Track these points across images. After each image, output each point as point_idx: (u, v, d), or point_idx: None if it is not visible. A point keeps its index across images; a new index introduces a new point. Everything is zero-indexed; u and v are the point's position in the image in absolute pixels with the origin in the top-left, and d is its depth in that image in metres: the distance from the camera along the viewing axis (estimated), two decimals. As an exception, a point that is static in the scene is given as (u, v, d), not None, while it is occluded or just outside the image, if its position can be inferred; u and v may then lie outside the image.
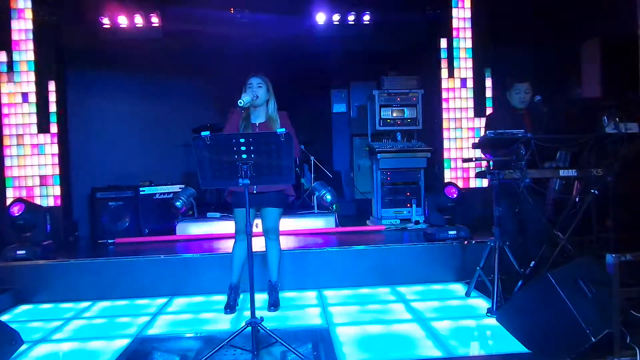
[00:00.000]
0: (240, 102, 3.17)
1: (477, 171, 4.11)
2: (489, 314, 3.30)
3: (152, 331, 3.29)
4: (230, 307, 3.56)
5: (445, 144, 5.51)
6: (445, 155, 5.51)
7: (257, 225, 3.93)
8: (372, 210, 5.80)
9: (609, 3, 5.09)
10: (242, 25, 6.02)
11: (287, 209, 3.70)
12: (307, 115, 7.12)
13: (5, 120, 5.03)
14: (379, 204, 5.52)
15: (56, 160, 5.12)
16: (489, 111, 5.39)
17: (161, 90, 6.69)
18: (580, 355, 2.48)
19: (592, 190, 3.43)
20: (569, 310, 2.55)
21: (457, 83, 5.50)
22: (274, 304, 3.59)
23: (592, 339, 2.45)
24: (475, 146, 3.76)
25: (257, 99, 3.38)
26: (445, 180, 5.35)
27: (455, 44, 5.49)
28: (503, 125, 3.48)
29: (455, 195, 4.74)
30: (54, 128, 5.13)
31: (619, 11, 4.77)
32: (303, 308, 3.67)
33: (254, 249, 3.55)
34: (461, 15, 5.49)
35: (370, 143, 5.73)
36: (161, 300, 3.95)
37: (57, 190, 5.09)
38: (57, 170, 5.11)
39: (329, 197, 5.43)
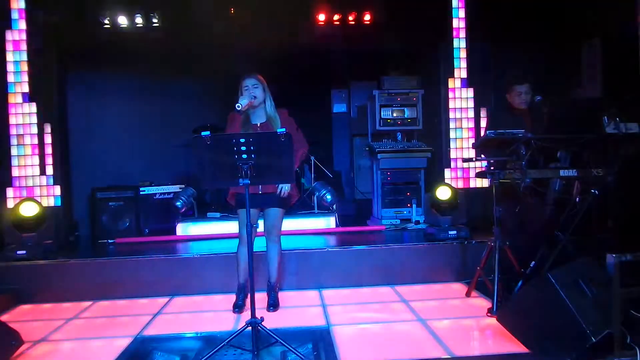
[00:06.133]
0: (238, 106, 3.16)
1: (477, 171, 4.11)
2: (489, 314, 3.30)
3: (152, 331, 3.29)
4: (238, 307, 3.57)
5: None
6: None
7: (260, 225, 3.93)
8: (372, 210, 5.80)
9: (609, 3, 5.08)
10: (242, 25, 6.02)
11: (289, 210, 3.72)
12: (307, 115, 7.07)
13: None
14: (379, 204, 5.51)
15: (56, 160, 5.11)
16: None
17: (161, 90, 6.69)
18: (580, 355, 2.48)
19: (592, 190, 3.42)
20: (569, 310, 2.55)
21: (457, 83, 5.50)
22: (273, 304, 3.59)
23: (592, 339, 2.45)
24: (475, 146, 3.76)
25: (255, 100, 3.37)
26: (445, 180, 5.35)
27: (455, 44, 5.48)
28: (503, 126, 3.48)
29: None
30: (54, 128, 5.12)
31: (619, 11, 4.77)
32: (303, 308, 3.67)
33: (255, 249, 3.57)
34: (461, 16, 5.48)
35: (371, 143, 5.73)
36: (161, 300, 3.95)
37: (57, 190, 5.08)
38: (57, 170, 5.11)
39: (329, 197, 5.43)
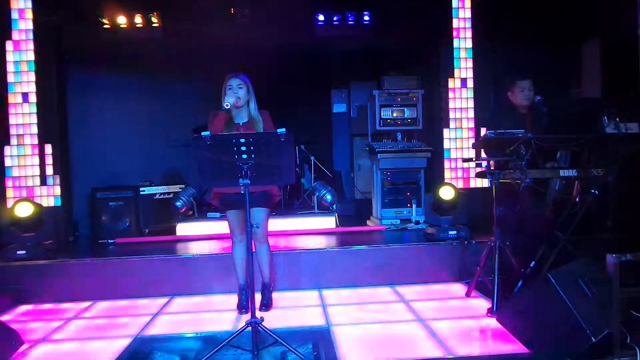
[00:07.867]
0: (226, 105, 3.17)
1: (477, 171, 4.12)
2: (489, 314, 3.30)
3: (152, 331, 3.29)
4: (244, 307, 3.55)
5: (446, 144, 5.51)
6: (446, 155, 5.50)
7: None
8: (372, 210, 5.80)
9: (609, 3, 5.08)
10: (242, 25, 6.02)
11: (274, 209, 3.69)
12: (307, 115, 7.13)
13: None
14: (379, 204, 5.51)
15: (56, 160, 5.11)
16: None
17: (161, 90, 6.68)
18: (580, 355, 2.48)
19: (592, 190, 3.43)
20: (569, 310, 2.55)
21: (457, 83, 5.49)
22: (265, 304, 3.59)
23: (592, 339, 2.45)
24: (475, 146, 3.76)
25: (239, 101, 3.36)
26: (445, 180, 5.35)
27: (455, 44, 5.48)
28: (504, 125, 3.49)
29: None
30: (53, 128, 5.12)
31: (619, 11, 4.77)
32: (303, 308, 3.67)
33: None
34: (461, 15, 5.49)
35: (371, 143, 5.73)
36: (161, 300, 3.95)
37: (57, 190, 5.08)
38: (57, 170, 5.10)
39: (329, 197, 5.43)
